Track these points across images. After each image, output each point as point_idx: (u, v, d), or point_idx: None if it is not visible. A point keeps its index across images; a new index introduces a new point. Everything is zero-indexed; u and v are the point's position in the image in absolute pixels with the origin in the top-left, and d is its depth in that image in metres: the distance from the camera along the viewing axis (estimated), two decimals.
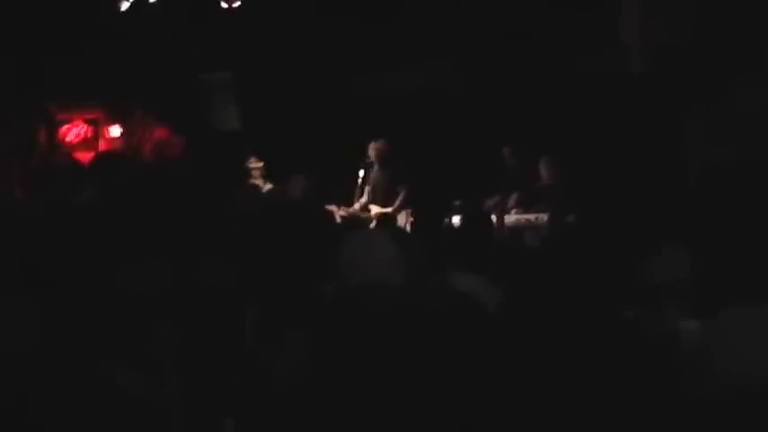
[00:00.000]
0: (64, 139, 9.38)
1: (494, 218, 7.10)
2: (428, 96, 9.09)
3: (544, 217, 7.35)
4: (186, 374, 2.79)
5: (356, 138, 8.40)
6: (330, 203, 7.78)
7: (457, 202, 7.73)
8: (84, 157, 7.97)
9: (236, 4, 8.86)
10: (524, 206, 7.72)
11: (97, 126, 9.59)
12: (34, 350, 2.56)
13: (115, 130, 9.59)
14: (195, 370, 2.79)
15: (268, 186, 8.26)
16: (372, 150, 8.23)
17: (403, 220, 8.06)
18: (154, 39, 9.07)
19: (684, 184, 6.75)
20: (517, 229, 7.49)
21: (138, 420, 2.52)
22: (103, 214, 4.54)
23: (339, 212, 7.85)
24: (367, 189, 8.31)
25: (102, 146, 9.42)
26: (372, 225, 7.88)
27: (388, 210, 8.08)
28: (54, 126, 9.34)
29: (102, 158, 6.84)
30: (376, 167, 8.30)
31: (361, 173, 8.27)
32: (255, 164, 8.44)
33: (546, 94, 8.50)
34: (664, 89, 7.04)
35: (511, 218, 7.63)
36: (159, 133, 9.40)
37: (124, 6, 8.82)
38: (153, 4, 8.81)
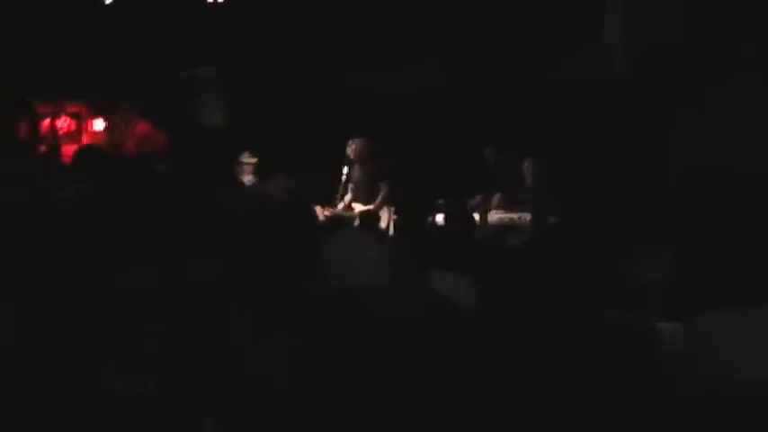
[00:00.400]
0: (54, 130, 9.33)
1: (477, 217, 7.13)
2: (413, 96, 9.09)
3: (527, 217, 7.38)
4: (170, 372, 2.78)
5: (342, 135, 8.40)
6: (314, 203, 7.78)
7: (440, 201, 7.74)
8: (67, 150, 7.94)
9: None
10: (507, 206, 7.74)
11: (80, 120, 9.53)
12: (16, 350, 2.55)
13: (98, 124, 9.54)
14: (180, 368, 2.79)
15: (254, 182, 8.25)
16: (350, 149, 8.26)
17: (385, 217, 8.08)
18: (138, 32, 9.03)
19: (669, 185, 6.79)
20: (500, 228, 7.51)
21: (122, 419, 2.52)
22: (89, 211, 4.51)
23: (323, 212, 7.86)
24: (350, 187, 8.32)
25: (85, 139, 9.38)
26: (356, 223, 7.90)
27: (371, 207, 8.10)
28: (36, 119, 9.28)
29: (85, 152, 6.78)
30: (356, 166, 8.32)
31: (345, 171, 8.27)
32: (249, 159, 8.43)
33: (529, 93, 8.53)
34: (649, 89, 7.08)
35: (494, 217, 7.65)
36: (142, 128, 9.36)
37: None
38: None
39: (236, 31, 9.11)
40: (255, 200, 7.44)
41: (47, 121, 9.37)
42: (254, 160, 8.41)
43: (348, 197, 8.31)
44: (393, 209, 8.08)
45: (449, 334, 2.49)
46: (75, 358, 2.56)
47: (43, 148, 9.08)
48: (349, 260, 2.74)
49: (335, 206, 8.23)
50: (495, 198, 7.88)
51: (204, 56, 9.38)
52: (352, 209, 8.26)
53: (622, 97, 7.46)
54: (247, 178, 8.37)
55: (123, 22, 8.90)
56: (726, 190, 5.02)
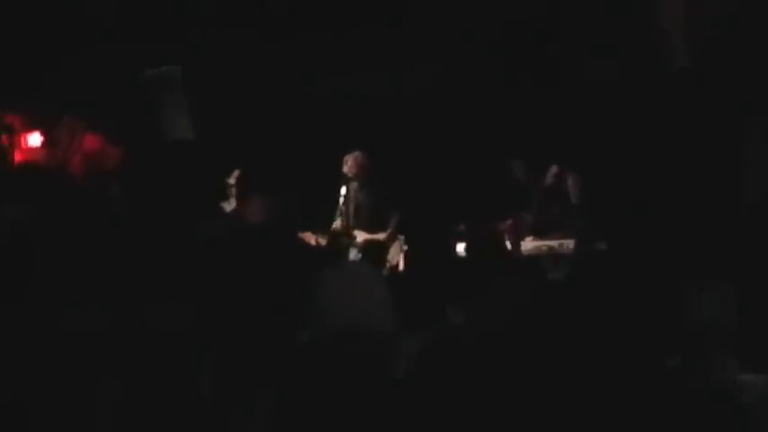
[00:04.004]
0: None
1: (507, 245, 7.17)
2: (420, 99, 9.11)
3: (569, 244, 7.41)
4: None
5: (338, 147, 8.45)
6: (305, 230, 7.81)
7: (461, 227, 7.78)
8: None
9: None
10: (544, 231, 7.77)
11: (12, 133, 9.57)
12: None
13: (35, 139, 9.57)
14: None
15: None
16: (349, 164, 8.32)
17: (396, 250, 8.09)
18: (83, 25, 9.09)
19: (738, 208, 6.80)
20: (535, 258, 7.54)
21: None
22: (20, 245, 4.57)
23: (317, 240, 7.86)
24: (350, 211, 8.33)
25: (18, 157, 9.41)
26: (356, 254, 7.92)
27: (378, 237, 8.10)
28: None
29: (18, 173, 6.84)
30: (356, 185, 8.37)
31: (343, 191, 8.29)
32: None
33: (566, 93, 8.52)
34: (713, 91, 7.12)
35: (527, 245, 7.69)
36: (90, 143, 9.41)
37: None
38: None
39: (205, 21, 9.16)
40: (225, 231, 7.48)
41: None
42: None
43: (341, 222, 8.29)
44: (404, 238, 8.10)
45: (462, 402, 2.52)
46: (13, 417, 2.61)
47: None
48: (348, 303, 2.79)
49: (331, 233, 8.21)
50: (528, 221, 7.91)
51: (166, 53, 9.44)
52: (352, 237, 8.25)
53: (681, 100, 7.49)
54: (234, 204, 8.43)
55: (64, 11, 8.95)
56: None
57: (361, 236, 8.21)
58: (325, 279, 2.88)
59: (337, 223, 8.27)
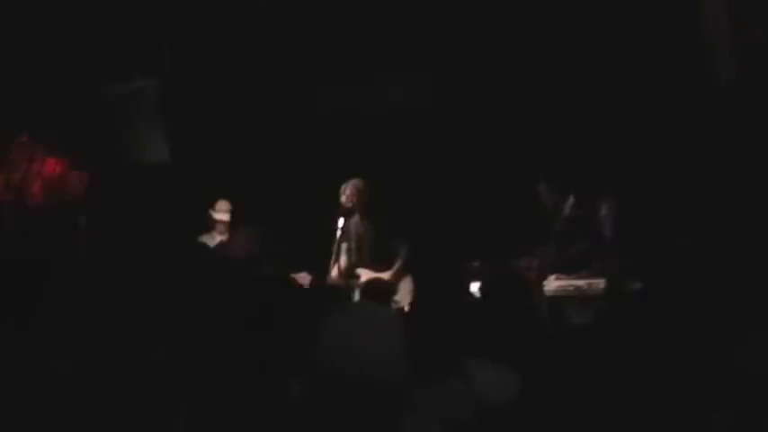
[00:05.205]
0: None
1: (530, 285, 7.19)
2: (429, 115, 9.14)
3: (600, 284, 7.43)
4: None
5: (334, 173, 8.45)
6: (298, 270, 7.82)
7: (476, 264, 7.80)
8: None
9: None
10: (571, 269, 7.79)
11: None
12: None
13: None
14: None
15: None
16: (347, 193, 8.34)
17: (405, 289, 8.07)
18: (42, 31, 9.12)
19: None
20: (561, 300, 7.55)
21: None
22: None
23: (313, 281, 7.86)
24: (349, 246, 8.35)
25: None
26: (358, 295, 7.94)
27: (384, 275, 8.11)
28: None
29: None
30: (356, 217, 8.41)
31: (341, 223, 8.32)
32: (223, 212, 8.56)
33: (601, 109, 8.55)
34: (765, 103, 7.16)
35: (551, 284, 7.70)
36: (51, 167, 9.45)
37: None
38: None
39: (183, 29, 9.19)
40: (207, 269, 7.51)
41: None
42: (226, 216, 8.55)
43: (344, 259, 8.31)
44: (412, 277, 8.08)
45: None
46: None
47: None
48: (348, 350, 2.83)
49: (328, 273, 8.21)
50: (552, 257, 7.92)
51: (140, 64, 9.47)
52: (355, 276, 8.25)
53: (729, 115, 7.52)
54: (219, 238, 8.45)
55: (20, 15, 8.96)
56: None
57: (363, 274, 8.22)
58: (324, 324, 2.92)
59: (339, 261, 8.28)
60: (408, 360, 2.78)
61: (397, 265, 8.20)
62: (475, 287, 7.27)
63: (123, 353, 3.62)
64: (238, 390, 3.30)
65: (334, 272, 8.31)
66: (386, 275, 8.12)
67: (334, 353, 2.78)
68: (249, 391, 3.27)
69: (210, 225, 8.67)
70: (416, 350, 2.94)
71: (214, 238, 8.50)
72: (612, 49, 8.46)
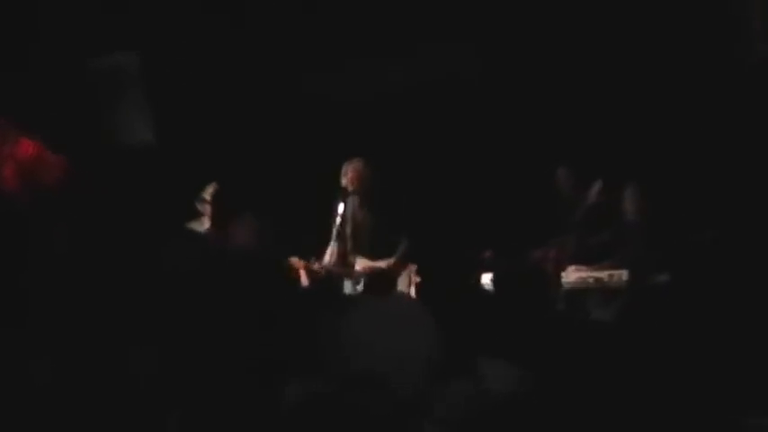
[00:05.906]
0: None
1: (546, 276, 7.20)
2: (430, 94, 9.14)
3: (622, 275, 7.44)
4: None
5: (332, 154, 8.51)
6: (291, 254, 7.82)
7: (487, 254, 7.82)
8: None
9: None
10: (591, 259, 7.81)
11: None
12: None
13: None
14: None
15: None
16: (349, 175, 8.38)
17: (405, 281, 8.10)
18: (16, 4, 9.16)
19: None
20: (580, 292, 7.57)
21: None
22: None
23: (310, 268, 7.87)
24: (347, 233, 8.37)
25: None
26: (358, 286, 7.97)
27: (382, 264, 8.13)
28: None
29: None
30: (356, 200, 8.44)
31: (341, 208, 8.34)
32: (211, 198, 8.57)
33: (623, 87, 8.56)
34: None
35: (570, 275, 7.72)
36: (26, 149, 9.46)
37: None
38: None
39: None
40: (197, 258, 7.52)
41: None
42: (216, 201, 8.54)
43: (339, 245, 8.30)
44: (415, 269, 8.10)
45: None
46: None
47: None
48: (372, 345, 2.84)
49: (323, 260, 8.21)
50: (571, 246, 7.93)
51: (121, 36, 9.49)
52: (350, 264, 8.27)
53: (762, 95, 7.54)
54: (208, 225, 8.47)
55: None
56: None
57: (360, 263, 8.25)
58: (329, 320, 2.94)
59: (332, 247, 8.28)
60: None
61: (396, 257, 8.22)
62: (487, 279, 7.30)
63: (112, 352, 3.64)
64: (237, 390, 3.32)
65: (327, 258, 8.30)
66: (382, 264, 8.14)
67: (359, 351, 2.79)
68: (249, 391, 3.30)
69: (199, 211, 8.68)
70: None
71: (203, 225, 8.52)
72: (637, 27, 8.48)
